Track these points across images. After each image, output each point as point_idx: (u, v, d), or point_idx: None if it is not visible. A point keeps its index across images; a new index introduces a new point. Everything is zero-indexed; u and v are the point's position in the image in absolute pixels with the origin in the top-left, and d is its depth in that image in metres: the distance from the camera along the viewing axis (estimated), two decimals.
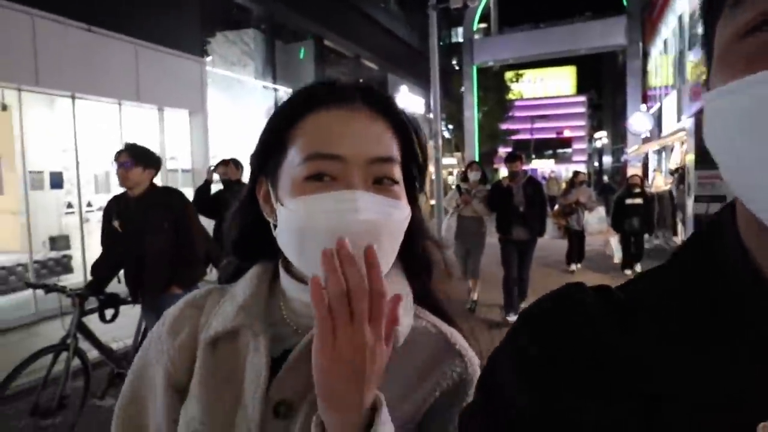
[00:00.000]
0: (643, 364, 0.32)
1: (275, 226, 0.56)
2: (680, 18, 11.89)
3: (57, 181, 5.36)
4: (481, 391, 0.40)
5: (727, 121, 0.28)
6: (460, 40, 18.55)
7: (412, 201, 0.60)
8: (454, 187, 5.66)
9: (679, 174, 9.96)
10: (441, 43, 15.71)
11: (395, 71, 13.76)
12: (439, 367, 0.57)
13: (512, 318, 4.93)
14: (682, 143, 10.24)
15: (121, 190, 2.82)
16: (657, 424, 0.30)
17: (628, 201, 7.24)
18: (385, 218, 0.53)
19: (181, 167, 7.00)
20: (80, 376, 2.78)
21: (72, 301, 2.72)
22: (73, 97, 5.41)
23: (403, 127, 0.58)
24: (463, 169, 6.00)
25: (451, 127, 18.81)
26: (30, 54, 4.73)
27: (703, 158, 8.37)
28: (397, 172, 0.56)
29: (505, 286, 5.11)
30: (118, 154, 2.69)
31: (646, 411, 0.30)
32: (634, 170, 15.42)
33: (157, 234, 2.69)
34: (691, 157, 8.81)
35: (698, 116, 8.73)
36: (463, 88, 18.45)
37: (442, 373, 0.57)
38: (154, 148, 2.96)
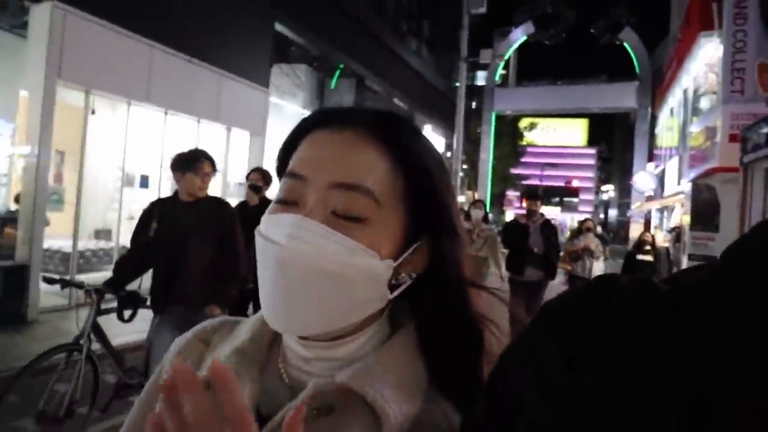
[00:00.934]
0: (692, 365, 0.28)
1: None
2: (685, 92, 13.06)
3: (144, 182, 6.35)
4: (489, 393, 0.36)
5: None
6: (480, 82, 19.92)
7: (440, 249, 0.50)
8: None
9: (676, 233, 10.85)
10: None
11: (421, 110, 14.92)
12: None
13: None
14: (682, 205, 11.17)
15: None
16: (707, 426, 0.27)
17: (639, 257, 7.49)
18: (316, 252, 0.44)
19: (236, 181, 7.99)
20: (88, 381, 2.55)
21: (88, 297, 2.59)
22: (166, 113, 6.45)
23: (410, 161, 0.48)
24: (466, 208, 5.80)
25: (465, 167, 19.90)
26: (145, 76, 5.80)
27: (698, 220, 9.30)
28: (368, 207, 0.46)
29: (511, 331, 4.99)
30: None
31: (692, 414, 0.27)
32: (637, 226, 16.29)
33: (204, 243, 2.56)
34: (687, 219, 9.71)
35: (695, 182, 9.70)
36: (479, 130, 19.67)
37: None
38: (220, 162, 3.70)
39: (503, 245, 5.16)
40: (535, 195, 5.23)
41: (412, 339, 0.50)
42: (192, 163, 2.64)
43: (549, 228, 5.03)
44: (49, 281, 2.74)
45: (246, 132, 7.91)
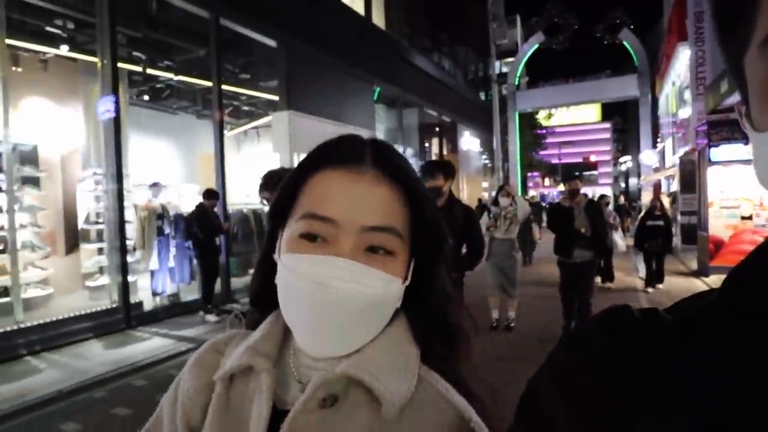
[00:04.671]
0: (704, 388, 0.30)
1: None
2: (674, 83, 16.37)
3: None
4: (521, 421, 0.38)
5: None
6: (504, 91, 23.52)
7: (430, 272, 0.58)
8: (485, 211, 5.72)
9: (673, 196, 14.28)
10: (488, 96, 20.66)
11: (461, 120, 18.56)
12: None
13: None
14: (674, 175, 14.61)
15: None
16: None
17: (650, 223, 7.83)
18: (362, 289, 0.51)
19: None
20: None
21: (234, 319, 2.34)
22: None
23: (416, 196, 0.56)
24: (494, 194, 6.12)
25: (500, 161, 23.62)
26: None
27: (686, 185, 12.69)
28: (395, 243, 0.54)
29: (565, 312, 4.97)
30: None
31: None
32: (647, 193, 19.74)
33: None
34: (678, 185, 13.15)
35: (682, 157, 13.04)
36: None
37: None
38: None
39: (550, 230, 5.24)
40: (572, 176, 5.13)
41: (402, 330, 0.57)
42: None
43: (594, 208, 4.96)
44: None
45: None
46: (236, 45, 8.59)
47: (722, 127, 9.33)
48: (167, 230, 6.73)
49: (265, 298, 0.61)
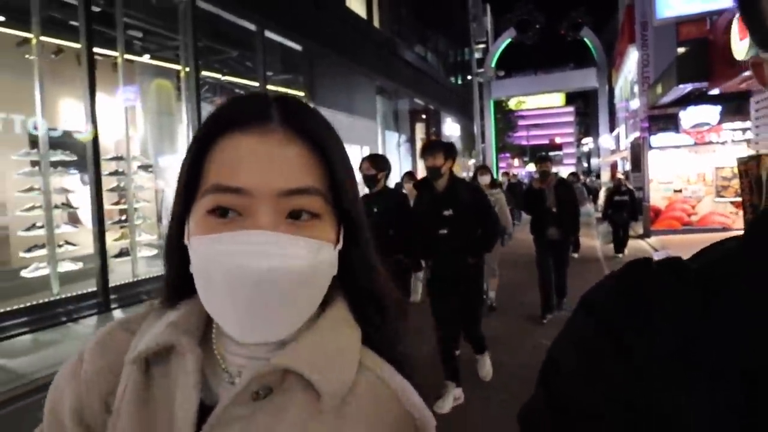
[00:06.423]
0: (734, 341, 0.29)
1: None
2: (626, 77, 18.91)
3: None
4: (544, 387, 0.37)
5: None
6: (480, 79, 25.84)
7: (352, 236, 0.52)
8: None
9: (626, 174, 16.90)
10: (463, 81, 22.82)
11: (443, 108, 20.63)
12: (386, 429, 0.49)
13: (552, 317, 4.92)
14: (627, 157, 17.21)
15: None
16: (760, 400, 0.28)
17: (617, 198, 9.00)
18: (291, 262, 0.45)
19: None
20: None
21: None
22: None
23: (330, 154, 0.49)
24: (472, 174, 5.99)
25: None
26: None
27: (635, 165, 15.21)
28: (319, 204, 0.48)
29: (541, 288, 5.09)
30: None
31: (744, 389, 0.28)
32: (605, 173, 22.45)
33: None
34: (630, 165, 15.71)
35: (633, 142, 15.55)
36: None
37: None
38: None
39: (526, 212, 5.53)
40: (542, 158, 5.29)
41: (342, 311, 0.52)
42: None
43: (564, 187, 5.20)
44: None
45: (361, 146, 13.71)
46: (273, 51, 10.27)
47: (659, 120, 11.78)
48: None
49: (182, 291, 0.53)
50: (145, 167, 7.27)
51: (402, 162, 15.77)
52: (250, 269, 0.44)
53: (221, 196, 0.46)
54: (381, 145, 14.26)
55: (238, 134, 0.48)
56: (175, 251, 0.52)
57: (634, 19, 14.54)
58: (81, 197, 6.20)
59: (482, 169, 6.19)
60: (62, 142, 6.20)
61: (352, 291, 0.54)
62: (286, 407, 0.48)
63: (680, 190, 11.92)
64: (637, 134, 15.14)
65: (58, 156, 5.82)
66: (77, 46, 5.89)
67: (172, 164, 8.25)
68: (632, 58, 16.66)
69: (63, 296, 5.34)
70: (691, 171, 11.62)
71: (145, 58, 7.96)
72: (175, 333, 0.50)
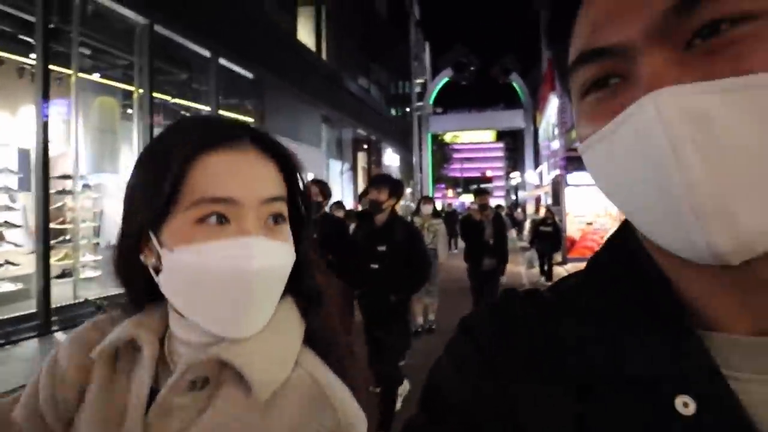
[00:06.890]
0: (571, 350, 0.35)
1: (157, 272, 0.55)
2: (548, 121, 21.03)
3: None
4: (422, 401, 0.40)
5: (599, 166, 0.34)
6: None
7: (299, 236, 0.60)
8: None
9: (547, 208, 18.60)
10: (402, 113, 24.14)
11: (384, 138, 21.63)
12: (310, 423, 0.53)
13: None
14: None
15: None
16: (588, 401, 0.33)
17: (542, 228, 10.16)
18: (279, 263, 0.55)
19: None
20: None
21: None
22: None
23: (289, 166, 0.60)
24: (415, 205, 6.16)
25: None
26: None
27: (556, 200, 16.84)
28: (284, 209, 0.58)
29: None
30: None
31: (577, 390, 0.33)
32: (530, 206, 24.38)
33: None
34: (551, 200, 17.38)
35: (554, 179, 17.24)
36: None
37: (313, 430, 0.53)
38: None
39: (463, 239, 5.73)
40: (482, 191, 5.58)
41: (291, 313, 0.59)
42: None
43: (499, 221, 5.53)
44: None
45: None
46: (225, 76, 10.54)
47: (575, 161, 13.38)
48: None
49: (142, 301, 0.60)
50: (87, 186, 7.21)
51: (344, 190, 16.30)
52: (253, 272, 0.52)
53: (214, 205, 0.53)
54: (326, 172, 14.74)
55: (219, 153, 0.55)
56: (133, 265, 0.57)
57: (554, 71, 16.37)
58: (22, 216, 6.08)
59: (425, 199, 6.55)
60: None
61: (298, 287, 0.61)
62: (222, 397, 0.53)
63: (591, 223, 13.48)
64: (557, 172, 16.85)
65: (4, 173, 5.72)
66: (19, 59, 5.87)
67: (116, 183, 8.17)
68: (553, 104, 18.64)
69: (1, 318, 5.22)
70: (599, 207, 13.24)
71: (95, 77, 7.96)
72: (137, 329, 0.57)
